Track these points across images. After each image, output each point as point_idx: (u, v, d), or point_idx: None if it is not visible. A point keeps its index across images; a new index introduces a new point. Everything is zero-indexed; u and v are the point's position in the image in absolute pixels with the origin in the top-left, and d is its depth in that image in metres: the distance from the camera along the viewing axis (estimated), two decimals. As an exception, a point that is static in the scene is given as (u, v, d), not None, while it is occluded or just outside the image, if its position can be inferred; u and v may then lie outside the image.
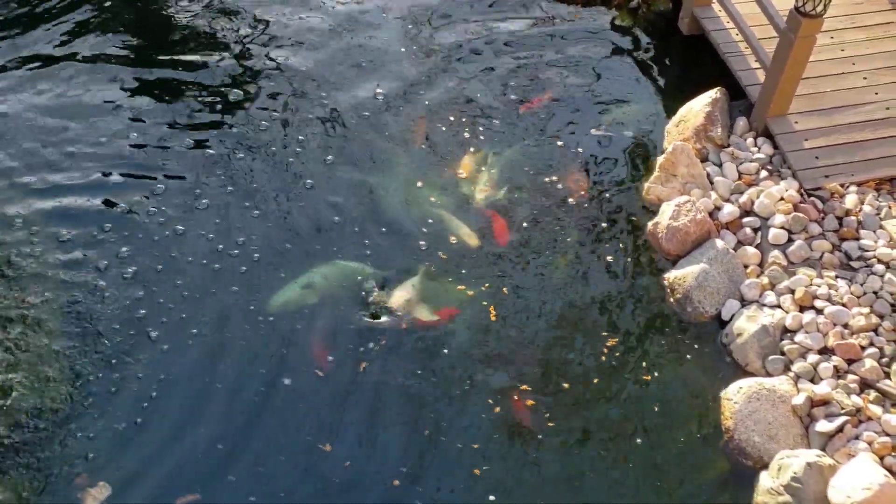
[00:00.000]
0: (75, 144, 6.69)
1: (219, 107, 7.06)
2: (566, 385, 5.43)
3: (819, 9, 5.80)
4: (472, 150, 6.76)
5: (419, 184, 6.51)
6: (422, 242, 6.13)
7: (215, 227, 6.18)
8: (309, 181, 6.50)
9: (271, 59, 7.50)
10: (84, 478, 4.94)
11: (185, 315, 5.68)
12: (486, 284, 5.89)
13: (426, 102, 7.12)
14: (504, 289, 5.88)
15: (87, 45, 7.52)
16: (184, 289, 5.82)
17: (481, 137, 6.87)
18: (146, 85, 7.24)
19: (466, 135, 6.89)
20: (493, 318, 5.72)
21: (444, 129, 6.94)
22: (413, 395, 5.35)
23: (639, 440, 5.21)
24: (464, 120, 7.00)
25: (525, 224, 6.28)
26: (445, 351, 5.55)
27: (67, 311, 5.65)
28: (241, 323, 5.67)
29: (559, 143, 6.86)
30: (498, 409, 5.29)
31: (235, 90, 7.19)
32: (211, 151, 6.68)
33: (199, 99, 7.12)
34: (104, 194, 6.37)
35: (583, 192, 6.47)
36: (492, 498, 4.93)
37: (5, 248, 5.96)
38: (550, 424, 5.24)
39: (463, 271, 5.96)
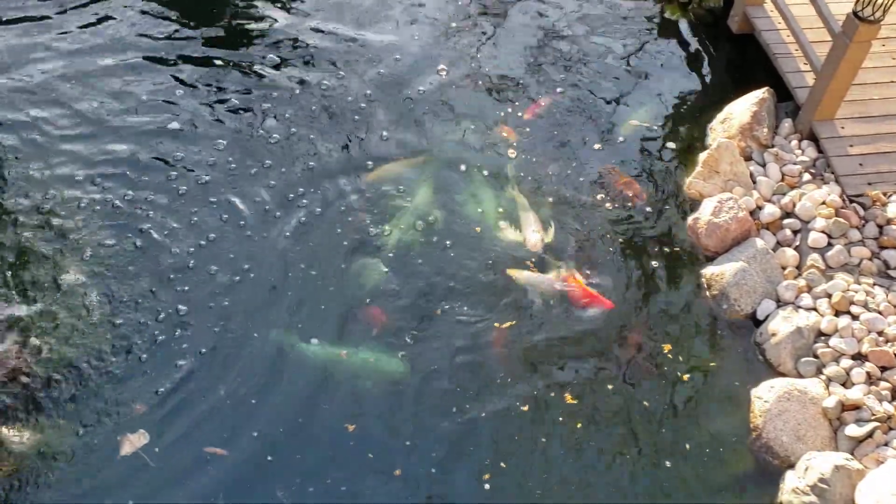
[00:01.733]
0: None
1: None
2: (601, 369, 5.48)
3: (878, 14, 5.78)
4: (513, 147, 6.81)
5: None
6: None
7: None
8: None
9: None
10: (141, 408, 5.11)
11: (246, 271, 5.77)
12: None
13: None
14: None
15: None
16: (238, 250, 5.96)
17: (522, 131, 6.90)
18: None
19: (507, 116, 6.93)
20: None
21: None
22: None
23: (666, 431, 5.24)
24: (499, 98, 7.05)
25: (564, 210, 6.31)
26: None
27: (113, 266, 5.76)
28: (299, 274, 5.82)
29: (596, 130, 6.86)
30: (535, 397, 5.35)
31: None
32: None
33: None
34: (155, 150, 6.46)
35: (624, 185, 6.48)
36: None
37: (54, 208, 6.07)
38: (582, 409, 5.29)
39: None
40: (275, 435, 5.10)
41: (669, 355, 5.56)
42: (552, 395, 5.34)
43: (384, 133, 6.65)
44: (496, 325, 5.62)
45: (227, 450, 5.01)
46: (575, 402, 5.31)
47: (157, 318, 5.52)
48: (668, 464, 5.09)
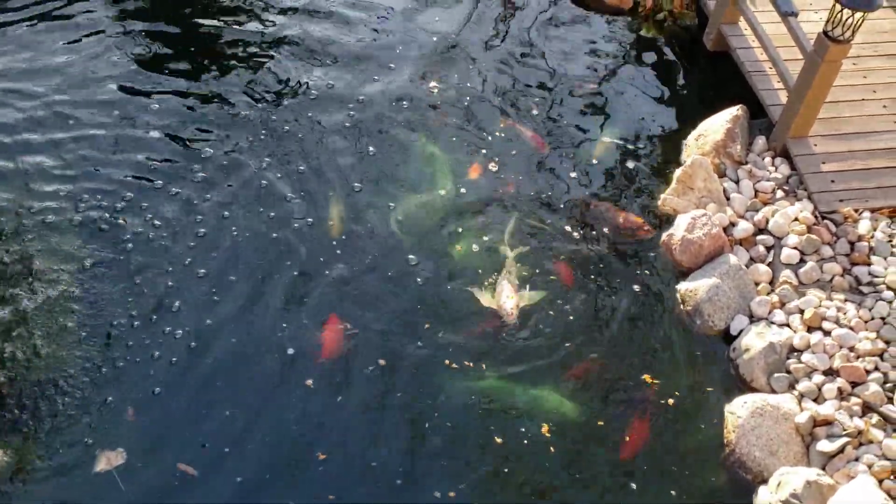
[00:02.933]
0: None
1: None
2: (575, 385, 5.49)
3: (847, 35, 5.87)
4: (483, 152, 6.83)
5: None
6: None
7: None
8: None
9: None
10: (132, 413, 5.13)
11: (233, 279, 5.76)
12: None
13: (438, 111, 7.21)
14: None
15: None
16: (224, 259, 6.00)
17: (494, 140, 6.94)
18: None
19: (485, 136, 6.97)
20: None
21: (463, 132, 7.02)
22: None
23: (640, 447, 5.26)
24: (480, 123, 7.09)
25: (536, 224, 6.35)
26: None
27: (90, 277, 5.73)
28: (279, 284, 5.83)
29: (575, 150, 6.91)
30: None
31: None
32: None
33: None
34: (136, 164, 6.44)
35: (596, 201, 6.53)
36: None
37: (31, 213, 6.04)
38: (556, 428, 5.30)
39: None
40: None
41: (643, 371, 5.57)
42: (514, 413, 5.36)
43: (356, 185, 6.54)
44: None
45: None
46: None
47: (150, 338, 5.51)
48: (641, 479, 5.10)
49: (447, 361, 5.49)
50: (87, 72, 7.17)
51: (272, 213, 6.24)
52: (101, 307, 5.60)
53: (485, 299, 5.81)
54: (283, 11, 7.96)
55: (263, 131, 6.82)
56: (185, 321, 5.59)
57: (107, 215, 6.11)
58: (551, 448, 5.17)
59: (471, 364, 5.49)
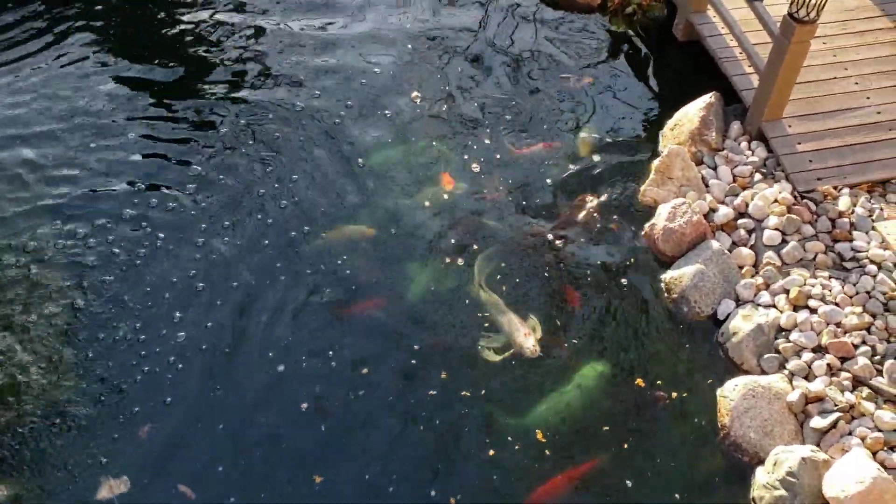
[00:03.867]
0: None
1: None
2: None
3: (812, 15, 5.92)
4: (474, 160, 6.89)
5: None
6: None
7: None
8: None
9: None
10: (145, 430, 5.16)
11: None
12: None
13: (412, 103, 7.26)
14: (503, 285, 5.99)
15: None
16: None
17: (477, 140, 6.99)
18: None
19: (465, 133, 7.01)
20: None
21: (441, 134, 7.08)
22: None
23: (636, 437, 5.28)
24: (460, 123, 7.13)
25: (519, 220, 6.39)
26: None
27: (81, 311, 5.75)
28: (260, 317, 5.80)
29: (554, 145, 6.96)
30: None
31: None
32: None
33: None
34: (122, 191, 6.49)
35: (579, 197, 6.57)
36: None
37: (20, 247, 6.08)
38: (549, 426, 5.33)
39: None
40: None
41: (633, 363, 5.61)
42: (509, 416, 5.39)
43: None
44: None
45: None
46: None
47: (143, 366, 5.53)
48: (638, 467, 5.13)
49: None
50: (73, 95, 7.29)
51: (265, 241, 6.26)
52: (97, 332, 5.64)
53: (491, 356, 5.57)
54: (260, 34, 8.02)
55: (248, 145, 6.87)
56: (186, 345, 5.62)
57: (92, 240, 6.15)
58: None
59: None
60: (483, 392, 5.42)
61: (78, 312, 5.75)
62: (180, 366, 5.52)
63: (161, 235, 6.22)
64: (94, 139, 6.93)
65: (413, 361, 5.57)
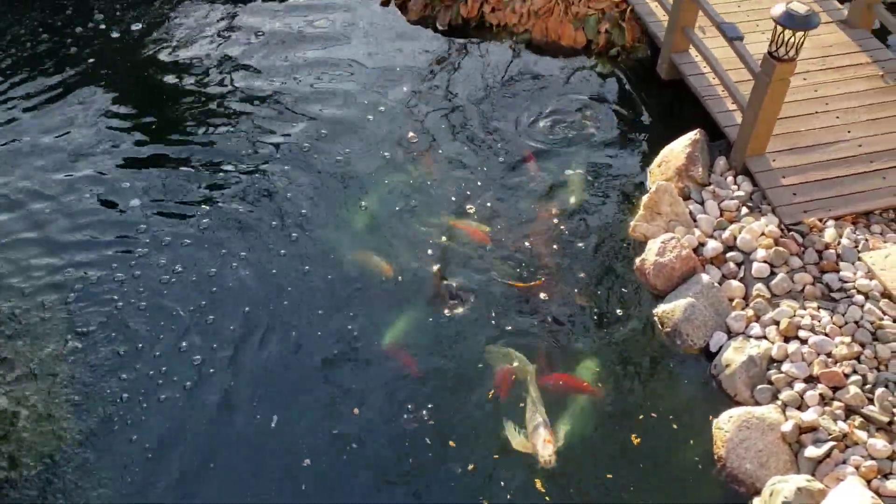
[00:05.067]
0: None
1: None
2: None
3: (791, 53, 6.10)
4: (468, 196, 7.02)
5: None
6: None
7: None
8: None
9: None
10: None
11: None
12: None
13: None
14: (495, 323, 6.05)
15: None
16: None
17: (470, 188, 7.12)
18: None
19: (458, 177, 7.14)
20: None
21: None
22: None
23: (634, 469, 5.32)
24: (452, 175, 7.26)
25: (515, 253, 6.49)
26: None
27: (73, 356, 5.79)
28: (248, 368, 5.82)
29: (545, 185, 7.09)
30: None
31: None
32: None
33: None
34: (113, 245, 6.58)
35: (569, 231, 6.69)
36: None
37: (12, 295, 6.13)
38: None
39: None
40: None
41: (629, 396, 5.67)
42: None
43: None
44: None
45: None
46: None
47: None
48: (637, 501, 5.17)
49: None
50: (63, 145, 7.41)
51: (257, 281, 6.34)
52: (94, 382, 5.68)
53: (517, 441, 5.39)
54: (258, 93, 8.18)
55: (245, 191, 6.98)
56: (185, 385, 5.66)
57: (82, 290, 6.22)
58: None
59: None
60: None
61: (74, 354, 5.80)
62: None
63: (179, 268, 6.32)
64: (94, 186, 7.05)
65: (431, 423, 5.53)
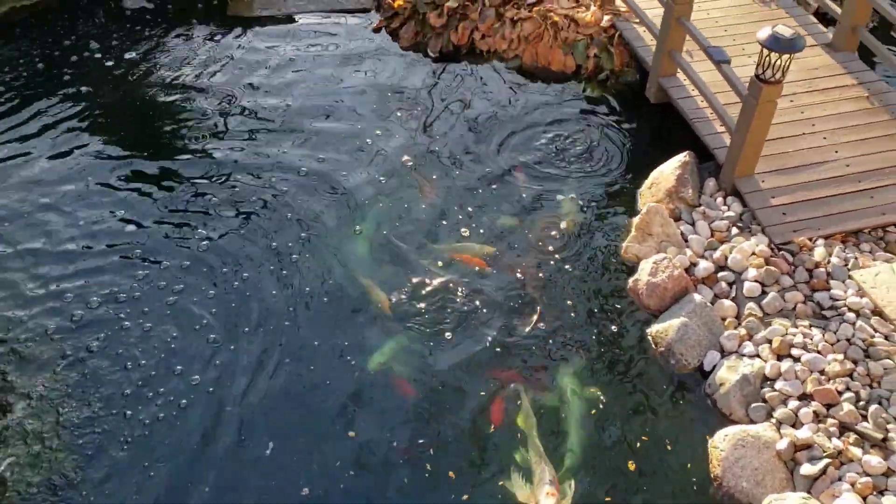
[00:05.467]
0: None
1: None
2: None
3: (778, 76, 6.20)
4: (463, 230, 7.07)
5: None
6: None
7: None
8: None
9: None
10: None
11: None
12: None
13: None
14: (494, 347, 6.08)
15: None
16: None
17: (469, 209, 7.18)
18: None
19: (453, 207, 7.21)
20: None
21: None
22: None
23: (631, 491, 5.33)
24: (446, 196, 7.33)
25: (512, 281, 6.52)
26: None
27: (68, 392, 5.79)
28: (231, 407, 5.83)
29: (536, 208, 7.15)
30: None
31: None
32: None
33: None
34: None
35: (562, 254, 6.74)
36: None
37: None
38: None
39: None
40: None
41: (625, 417, 5.70)
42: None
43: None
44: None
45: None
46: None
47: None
48: (635, 523, 5.19)
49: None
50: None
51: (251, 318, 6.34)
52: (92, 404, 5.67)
53: (522, 493, 5.25)
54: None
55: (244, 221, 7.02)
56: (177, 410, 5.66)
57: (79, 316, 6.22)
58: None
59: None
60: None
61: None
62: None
63: (177, 288, 6.32)
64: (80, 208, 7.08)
65: (430, 452, 5.53)
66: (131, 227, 6.94)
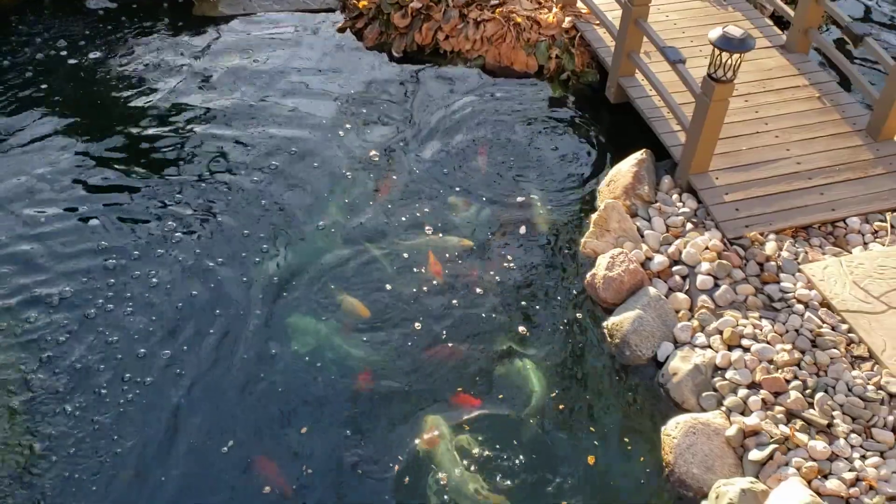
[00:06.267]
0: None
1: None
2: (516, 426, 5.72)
3: (729, 74, 6.38)
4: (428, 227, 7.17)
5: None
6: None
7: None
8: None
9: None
10: None
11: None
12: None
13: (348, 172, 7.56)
14: (442, 329, 6.19)
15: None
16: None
17: (424, 209, 7.29)
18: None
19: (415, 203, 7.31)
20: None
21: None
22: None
23: (584, 478, 5.46)
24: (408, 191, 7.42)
25: (471, 273, 6.64)
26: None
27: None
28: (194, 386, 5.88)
29: (497, 205, 7.28)
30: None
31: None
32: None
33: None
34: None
35: (522, 249, 6.87)
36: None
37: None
38: (500, 461, 5.49)
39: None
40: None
41: (580, 407, 5.83)
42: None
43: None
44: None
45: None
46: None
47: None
48: (588, 508, 5.32)
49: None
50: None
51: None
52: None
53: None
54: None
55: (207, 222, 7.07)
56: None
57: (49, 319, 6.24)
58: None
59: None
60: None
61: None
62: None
63: (138, 296, 6.36)
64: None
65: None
66: (91, 223, 6.95)
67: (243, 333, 6.16)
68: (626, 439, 5.69)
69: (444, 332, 6.23)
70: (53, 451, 5.43)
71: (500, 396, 5.86)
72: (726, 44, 6.24)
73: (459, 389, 5.87)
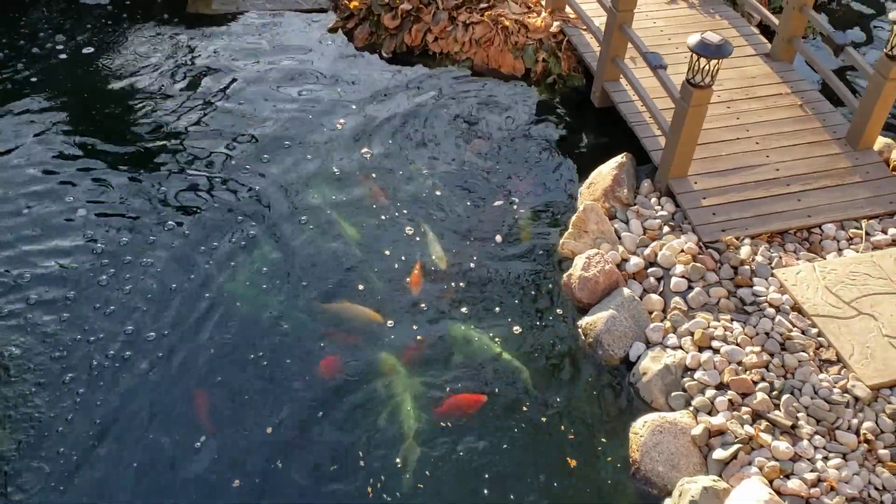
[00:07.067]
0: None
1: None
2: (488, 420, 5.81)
3: (707, 80, 6.47)
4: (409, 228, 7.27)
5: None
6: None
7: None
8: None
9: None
10: None
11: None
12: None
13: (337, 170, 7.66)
14: (423, 337, 6.28)
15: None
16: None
17: (413, 210, 7.38)
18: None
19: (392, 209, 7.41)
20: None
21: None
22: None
23: (552, 475, 5.54)
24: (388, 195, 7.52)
25: (450, 269, 6.74)
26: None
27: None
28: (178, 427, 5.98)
29: (479, 205, 7.38)
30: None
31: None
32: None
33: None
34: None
35: (502, 249, 6.97)
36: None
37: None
38: (470, 462, 5.58)
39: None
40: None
41: (551, 404, 5.92)
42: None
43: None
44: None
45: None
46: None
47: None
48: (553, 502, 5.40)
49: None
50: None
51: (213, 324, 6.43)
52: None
53: None
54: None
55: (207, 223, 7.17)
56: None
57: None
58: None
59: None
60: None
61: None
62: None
63: (126, 288, 6.45)
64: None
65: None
66: (81, 217, 7.06)
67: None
68: (596, 437, 5.77)
69: (417, 327, 6.33)
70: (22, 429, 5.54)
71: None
72: (704, 49, 6.33)
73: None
